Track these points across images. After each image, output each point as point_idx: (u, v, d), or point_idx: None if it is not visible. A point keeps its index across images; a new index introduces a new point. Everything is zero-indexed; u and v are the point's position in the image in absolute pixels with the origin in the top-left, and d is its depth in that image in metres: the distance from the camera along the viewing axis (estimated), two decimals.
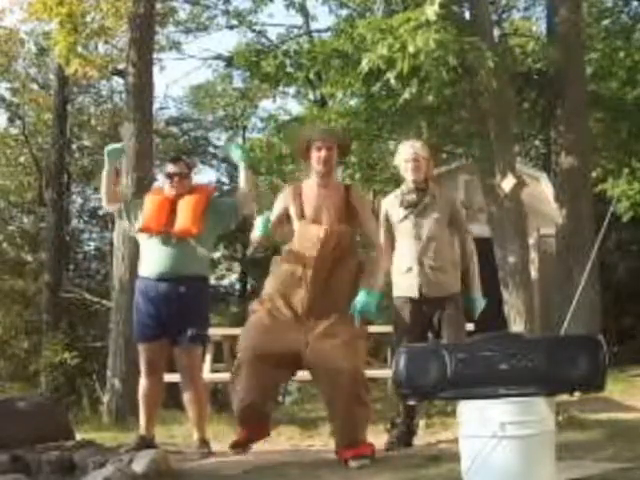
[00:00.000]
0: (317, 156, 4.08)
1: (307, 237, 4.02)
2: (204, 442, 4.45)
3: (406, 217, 4.50)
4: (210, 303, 4.80)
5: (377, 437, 4.90)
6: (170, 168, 4.51)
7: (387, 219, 4.59)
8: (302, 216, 4.08)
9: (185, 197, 4.46)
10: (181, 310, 4.35)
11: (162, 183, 4.62)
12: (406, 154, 4.55)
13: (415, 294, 4.44)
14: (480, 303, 4.59)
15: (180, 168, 4.50)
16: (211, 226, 4.47)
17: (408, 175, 4.53)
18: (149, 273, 4.44)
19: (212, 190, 4.94)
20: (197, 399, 4.45)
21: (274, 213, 4.19)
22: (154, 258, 4.42)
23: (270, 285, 4.13)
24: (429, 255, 4.44)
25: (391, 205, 4.59)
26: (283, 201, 4.20)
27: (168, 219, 4.41)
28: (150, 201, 4.57)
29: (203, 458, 4.24)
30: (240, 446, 4.15)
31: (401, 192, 4.58)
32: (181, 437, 5.10)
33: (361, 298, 3.96)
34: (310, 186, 4.16)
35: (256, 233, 4.03)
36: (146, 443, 4.34)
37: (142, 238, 4.53)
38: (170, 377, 5.27)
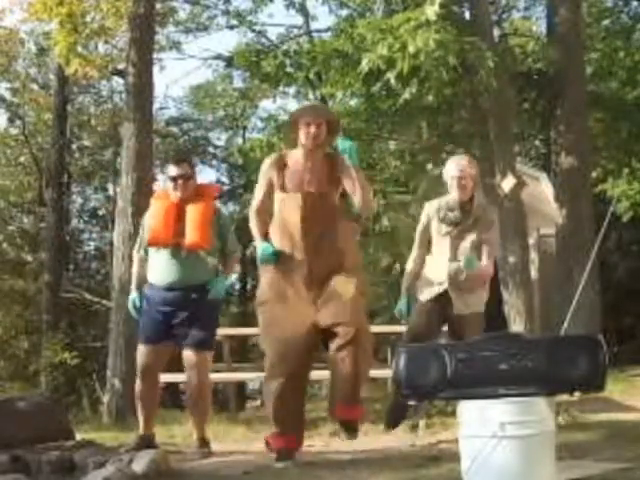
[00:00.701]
0: (306, 132, 4.04)
1: (289, 206, 4.00)
2: (205, 442, 4.45)
3: (447, 234, 4.51)
4: (218, 307, 4.76)
5: (377, 437, 4.91)
6: (173, 171, 4.43)
7: (427, 227, 4.60)
8: (283, 187, 4.05)
9: (193, 204, 4.38)
10: (191, 315, 4.33)
11: (166, 185, 4.56)
12: (452, 171, 4.52)
13: (440, 302, 4.49)
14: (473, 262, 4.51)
15: (184, 170, 4.43)
16: (215, 234, 4.46)
17: (454, 193, 4.51)
18: (158, 281, 4.41)
19: (217, 190, 4.91)
20: (202, 400, 4.43)
21: (259, 189, 4.15)
22: (163, 268, 4.38)
23: (266, 268, 4.08)
24: (461, 277, 4.45)
25: (434, 213, 4.57)
26: (265, 176, 4.14)
27: (176, 228, 4.34)
28: (156, 209, 4.50)
29: (203, 458, 4.24)
30: (288, 454, 3.97)
31: (446, 206, 4.55)
32: (181, 437, 5.10)
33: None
34: (295, 159, 4.11)
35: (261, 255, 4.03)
36: (146, 443, 4.34)
37: (151, 248, 4.49)
38: (171, 377, 5.29)
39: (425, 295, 4.56)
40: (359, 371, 3.85)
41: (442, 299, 4.50)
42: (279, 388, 3.87)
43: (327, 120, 4.11)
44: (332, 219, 4.03)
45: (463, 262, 4.43)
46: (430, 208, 4.64)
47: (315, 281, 3.94)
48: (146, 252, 4.52)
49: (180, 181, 4.40)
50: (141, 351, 4.44)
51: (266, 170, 4.14)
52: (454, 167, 4.53)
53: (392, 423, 4.70)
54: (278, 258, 3.98)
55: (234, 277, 4.63)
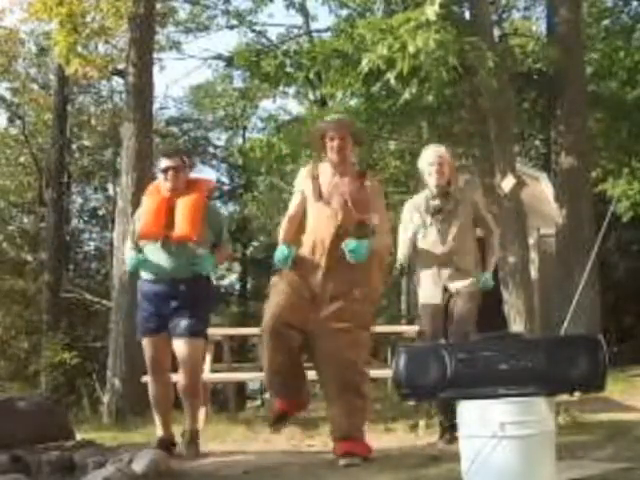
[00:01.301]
0: (330, 146, 4.15)
1: (322, 218, 4.07)
2: (195, 435, 4.45)
3: (431, 224, 4.55)
4: (212, 300, 4.80)
5: (377, 437, 4.90)
6: (164, 162, 4.49)
7: (412, 221, 4.62)
8: (319, 197, 4.12)
9: (183, 197, 4.42)
10: (182, 305, 4.38)
11: (159, 179, 4.59)
12: (430, 158, 4.58)
13: (440, 301, 4.52)
14: (488, 281, 4.61)
15: (174, 162, 4.47)
16: (207, 227, 4.47)
17: (432, 179, 4.56)
18: (150, 275, 4.47)
19: (210, 185, 4.88)
20: (193, 390, 4.45)
21: (293, 203, 4.23)
22: (155, 261, 4.43)
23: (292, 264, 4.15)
24: (453, 260, 4.50)
25: (417, 209, 4.61)
26: (299, 186, 4.24)
27: (166, 222, 4.39)
28: (147, 204, 4.55)
29: (190, 457, 4.23)
30: (279, 421, 4.18)
31: (426, 197, 4.61)
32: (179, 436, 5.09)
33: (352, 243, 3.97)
34: (326, 171, 4.20)
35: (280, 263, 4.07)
36: (166, 444, 4.37)
37: (142, 241, 4.52)
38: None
39: (427, 296, 4.57)
40: (349, 405, 3.89)
41: (441, 308, 4.52)
42: (268, 359, 3.99)
43: (351, 133, 4.21)
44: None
45: (481, 283, 4.53)
46: (410, 205, 4.69)
47: (327, 295, 3.98)
48: (137, 246, 4.55)
49: (171, 172, 4.44)
50: (145, 342, 4.48)
51: (300, 181, 4.25)
52: (430, 154, 4.60)
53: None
54: (292, 262, 4.03)
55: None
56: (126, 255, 4.63)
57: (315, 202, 4.12)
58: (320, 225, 4.07)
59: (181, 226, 4.36)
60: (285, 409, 4.14)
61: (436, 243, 4.52)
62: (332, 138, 4.14)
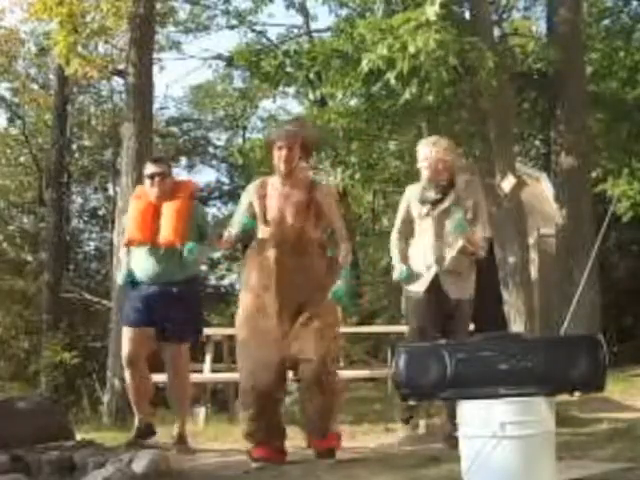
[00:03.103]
0: (278, 155, 4.09)
1: (266, 239, 4.05)
2: (182, 439, 4.52)
3: (428, 214, 4.50)
4: (201, 300, 4.86)
5: (377, 437, 4.91)
6: (150, 168, 4.54)
7: (408, 210, 4.59)
8: (264, 217, 4.08)
9: (169, 202, 4.47)
10: (171, 310, 4.42)
11: (145, 185, 4.64)
12: (421, 153, 4.55)
13: (432, 291, 4.46)
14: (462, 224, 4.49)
15: (161, 168, 4.54)
16: (193, 229, 4.51)
17: (423, 174, 4.53)
18: (141, 277, 4.51)
19: (195, 187, 4.92)
20: (180, 393, 4.53)
21: (239, 210, 4.20)
22: (143, 266, 4.48)
23: (244, 294, 4.14)
24: (448, 257, 4.45)
25: (414, 197, 4.58)
26: (248, 198, 4.19)
27: (152, 227, 4.43)
28: (134, 209, 4.61)
29: (182, 454, 4.26)
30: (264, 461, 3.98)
31: (422, 188, 4.56)
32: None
33: (335, 289, 3.99)
34: (274, 184, 4.15)
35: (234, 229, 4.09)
36: (144, 432, 4.45)
37: (131, 246, 4.58)
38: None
39: (415, 285, 4.54)
40: (327, 406, 3.93)
41: (432, 289, 4.47)
42: (253, 412, 3.93)
43: (301, 143, 4.13)
44: (310, 253, 4.06)
45: (452, 225, 4.41)
46: (410, 191, 4.66)
47: (288, 313, 3.97)
48: (129, 251, 4.61)
49: (157, 178, 4.50)
50: (124, 333, 4.51)
51: (246, 198, 4.19)
52: (422, 149, 4.56)
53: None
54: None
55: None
56: (121, 262, 4.70)
57: (260, 223, 4.09)
58: (265, 246, 4.05)
59: (167, 232, 4.41)
60: (265, 456, 3.96)
61: (433, 237, 4.46)
62: (280, 148, 4.08)
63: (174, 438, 4.52)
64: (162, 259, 4.43)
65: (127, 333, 4.49)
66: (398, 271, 4.57)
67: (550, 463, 2.82)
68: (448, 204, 4.48)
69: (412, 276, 4.52)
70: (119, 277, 4.59)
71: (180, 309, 4.43)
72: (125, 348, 4.47)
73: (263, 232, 4.08)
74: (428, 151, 4.52)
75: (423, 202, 4.50)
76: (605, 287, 10.22)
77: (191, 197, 4.63)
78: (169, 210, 4.46)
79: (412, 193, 4.62)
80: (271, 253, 4.00)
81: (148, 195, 4.56)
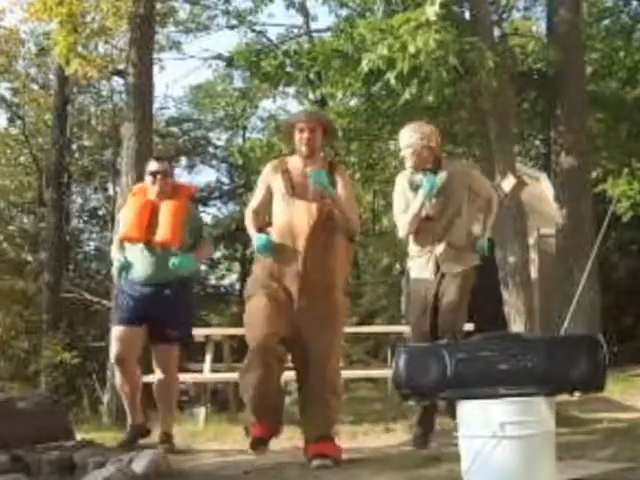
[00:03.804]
0: (300, 137, 4.09)
1: (297, 213, 4.00)
2: (168, 437, 4.53)
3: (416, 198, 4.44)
4: (193, 302, 4.85)
5: (377, 437, 4.91)
6: (153, 166, 4.54)
7: (402, 195, 4.53)
8: (292, 192, 4.05)
9: (167, 202, 4.47)
10: (164, 311, 4.42)
11: (146, 181, 4.63)
12: (403, 141, 4.49)
13: (432, 275, 4.41)
14: (483, 247, 4.47)
15: (163, 166, 4.54)
16: (188, 230, 4.51)
17: (407, 162, 4.48)
18: (134, 277, 4.49)
19: (193, 191, 4.94)
20: (167, 393, 4.55)
21: (258, 193, 4.18)
22: (138, 264, 4.45)
23: (261, 266, 4.10)
24: (447, 236, 4.40)
25: (406, 183, 4.52)
26: (265, 181, 4.17)
27: (149, 225, 4.42)
28: (132, 205, 4.59)
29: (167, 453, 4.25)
30: (262, 443, 4.05)
31: (410, 174, 4.50)
32: (181, 437, 5.10)
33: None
34: (295, 164, 4.14)
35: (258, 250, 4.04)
36: (138, 431, 4.49)
37: (126, 242, 4.57)
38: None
39: (417, 271, 4.49)
40: (325, 403, 3.91)
41: (432, 284, 4.41)
42: (257, 379, 3.90)
43: (322, 125, 4.15)
44: (334, 234, 4.04)
45: (477, 247, 4.40)
46: (401, 178, 4.60)
47: (306, 290, 3.94)
48: (122, 247, 4.59)
49: (159, 176, 4.50)
50: (114, 332, 4.50)
51: (265, 176, 4.19)
52: (404, 136, 4.49)
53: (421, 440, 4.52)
54: (273, 250, 3.98)
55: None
56: (113, 256, 4.66)
57: (288, 197, 4.05)
58: (295, 219, 4.00)
59: (163, 232, 4.40)
60: (264, 434, 4.01)
61: (425, 220, 4.41)
62: (302, 130, 4.08)
63: (160, 437, 4.52)
64: (156, 259, 4.42)
65: (116, 332, 4.48)
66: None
67: (550, 463, 2.82)
68: (439, 190, 4.39)
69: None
70: (114, 269, 4.52)
71: (172, 310, 4.42)
72: (114, 347, 4.46)
73: (296, 205, 4.02)
74: (411, 138, 4.45)
75: (415, 189, 4.44)
76: (605, 287, 10.22)
77: (189, 200, 4.64)
78: (167, 209, 4.45)
79: (404, 180, 4.56)
80: (305, 227, 3.95)
81: (147, 192, 4.56)
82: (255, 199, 4.21)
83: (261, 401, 3.94)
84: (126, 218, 4.55)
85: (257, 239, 4.00)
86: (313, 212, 3.98)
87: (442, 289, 4.40)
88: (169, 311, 4.41)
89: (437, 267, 4.42)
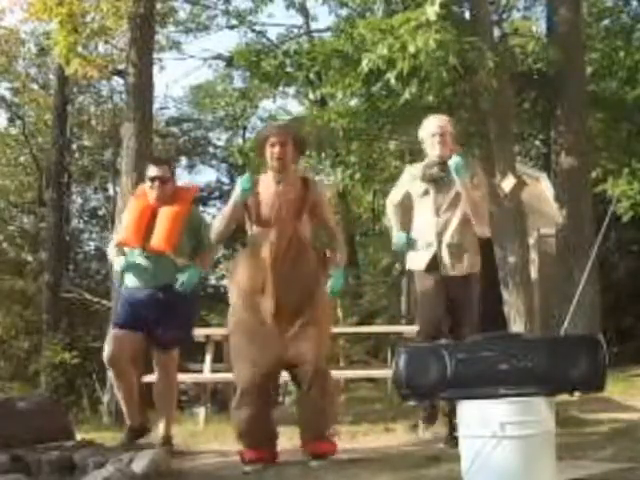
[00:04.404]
0: (271, 151, 4.02)
1: (260, 242, 3.99)
2: (167, 440, 4.51)
3: (427, 192, 4.42)
4: (194, 305, 4.80)
5: (377, 437, 4.90)
6: (152, 171, 4.47)
7: (406, 190, 4.52)
8: (257, 218, 4.02)
9: (165, 208, 4.42)
10: (161, 314, 4.40)
11: (145, 185, 4.60)
12: (433, 127, 4.44)
13: (434, 269, 4.39)
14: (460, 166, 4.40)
15: (162, 172, 4.46)
16: (188, 235, 4.48)
17: (434, 150, 4.42)
18: (131, 282, 4.50)
19: (195, 191, 4.92)
20: (166, 395, 4.54)
21: (232, 203, 4.10)
22: (137, 269, 4.46)
23: (236, 294, 4.07)
24: (449, 232, 4.37)
25: (413, 177, 4.50)
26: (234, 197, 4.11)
27: (146, 231, 4.39)
28: (132, 210, 4.56)
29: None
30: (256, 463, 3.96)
31: (424, 165, 4.48)
32: (181, 437, 5.10)
33: (333, 282, 4.01)
34: (267, 183, 4.08)
35: (236, 194, 4.03)
36: (137, 432, 4.49)
37: (120, 261, 4.53)
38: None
39: (416, 262, 4.47)
40: (322, 408, 3.92)
41: (433, 267, 4.39)
42: (248, 416, 3.91)
43: (294, 138, 4.08)
44: (304, 252, 4.01)
45: (452, 166, 4.30)
46: (410, 170, 4.59)
47: (284, 314, 3.93)
48: (120, 249, 4.58)
49: (157, 182, 4.43)
50: (111, 334, 4.50)
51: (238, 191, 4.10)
52: (435, 124, 4.46)
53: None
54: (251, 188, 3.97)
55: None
56: (110, 254, 4.65)
57: (253, 224, 4.04)
58: (259, 248, 3.98)
59: (157, 238, 4.36)
60: (260, 457, 3.95)
61: (432, 213, 4.39)
62: (273, 144, 4.00)
63: (159, 440, 4.50)
64: (152, 264, 4.41)
65: (111, 333, 4.50)
66: (397, 238, 4.50)
67: (550, 463, 2.82)
68: (446, 181, 4.37)
69: (412, 243, 4.44)
70: (117, 263, 4.49)
71: (170, 314, 4.40)
72: (107, 348, 4.44)
73: (257, 232, 4.03)
74: (437, 126, 4.42)
75: (429, 180, 4.40)
76: (605, 287, 10.22)
77: (191, 203, 4.60)
78: (164, 216, 4.40)
79: (413, 171, 4.54)
80: (266, 252, 3.94)
81: (148, 196, 4.52)
82: (228, 207, 4.11)
83: (255, 434, 3.94)
84: (125, 222, 4.55)
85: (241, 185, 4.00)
86: (272, 239, 3.94)
87: (452, 292, 4.38)
88: (166, 315, 4.39)
89: (438, 264, 4.39)
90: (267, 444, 3.99)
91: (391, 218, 4.64)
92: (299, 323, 3.93)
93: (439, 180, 4.40)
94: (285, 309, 3.93)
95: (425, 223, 4.43)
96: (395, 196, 4.62)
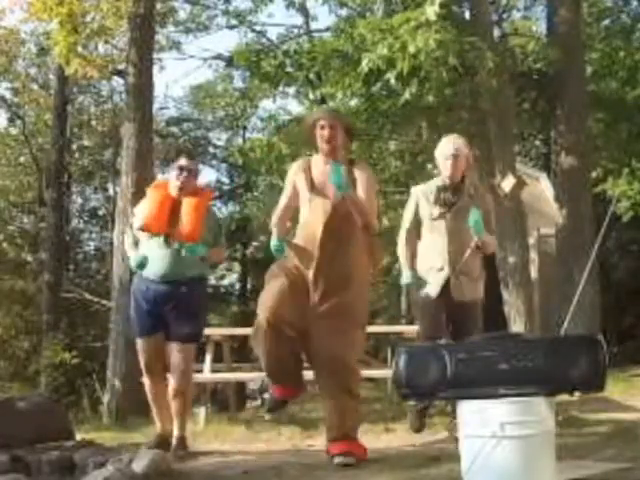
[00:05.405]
0: (321, 134, 4.12)
1: (316, 209, 4.05)
2: (182, 442, 4.49)
3: (441, 216, 4.44)
4: (207, 301, 4.88)
5: (377, 437, 4.90)
6: (183, 161, 4.54)
7: (417, 211, 4.54)
8: (312, 188, 4.10)
9: (189, 198, 4.46)
10: (179, 309, 4.40)
11: (169, 176, 4.64)
12: (446, 150, 4.48)
13: (442, 293, 4.43)
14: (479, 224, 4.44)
15: (192, 165, 4.57)
16: (207, 230, 4.51)
17: (446, 172, 4.46)
18: (150, 274, 4.46)
19: (212, 194, 5.02)
20: (182, 394, 4.50)
21: (284, 195, 4.23)
22: (155, 260, 4.43)
23: (289, 255, 4.16)
24: (457, 258, 4.40)
25: (425, 198, 4.52)
26: (291, 180, 4.22)
27: (170, 219, 4.40)
28: (152, 197, 4.55)
29: (178, 460, 4.23)
30: (277, 407, 4.21)
31: (437, 188, 4.50)
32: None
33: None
34: (317, 162, 4.18)
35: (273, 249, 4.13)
36: (165, 441, 4.43)
37: (142, 237, 4.54)
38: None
39: (426, 290, 4.50)
40: (342, 405, 3.92)
41: (443, 291, 4.43)
42: (268, 345, 3.95)
43: (342, 123, 4.18)
44: (352, 231, 4.03)
45: (472, 221, 4.29)
46: (418, 192, 4.60)
47: (320, 286, 3.96)
48: (136, 242, 4.59)
49: (185, 172, 4.49)
50: (139, 345, 4.52)
51: (291, 176, 4.23)
52: (450, 146, 4.48)
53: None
54: (286, 254, 4.09)
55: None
56: (128, 250, 4.66)
57: (307, 193, 4.10)
58: (312, 217, 4.05)
59: (186, 225, 4.39)
60: (285, 395, 4.17)
61: (444, 239, 4.42)
62: (323, 127, 4.11)
63: (175, 441, 4.47)
64: (173, 255, 4.41)
65: (140, 344, 4.52)
66: (405, 276, 4.55)
67: (550, 463, 2.82)
68: (460, 206, 4.43)
69: (419, 281, 4.49)
70: (133, 259, 4.50)
71: (188, 309, 4.41)
72: (142, 359, 4.50)
73: (313, 201, 4.07)
74: (452, 147, 4.45)
75: (441, 204, 4.44)
76: (605, 287, 10.23)
77: (209, 201, 4.69)
78: (190, 205, 4.44)
79: (422, 193, 4.56)
80: (319, 222, 3.98)
81: (168, 187, 4.54)
82: (282, 199, 4.26)
83: (276, 366, 4.02)
84: (145, 210, 4.52)
85: (271, 244, 4.13)
86: (327, 209, 4.00)
87: (454, 319, 4.43)
88: (183, 309, 4.41)
89: (447, 288, 4.42)
90: (289, 378, 4.09)
91: (402, 251, 4.62)
92: (333, 303, 3.93)
93: (454, 205, 4.44)
94: (324, 281, 3.96)
95: (439, 246, 4.45)
96: (407, 223, 4.62)
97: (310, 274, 3.98)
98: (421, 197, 4.54)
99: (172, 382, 4.51)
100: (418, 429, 4.68)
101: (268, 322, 3.91)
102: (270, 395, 4.21)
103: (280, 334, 3.92)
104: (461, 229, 4.40)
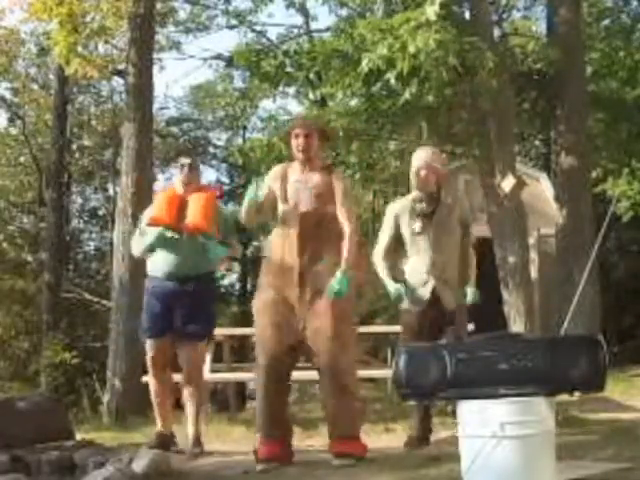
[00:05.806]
0: (296, 143, 4.18)
1: (288, 219, 4.08)
2: (198, 440, 4.49)
3: (423, 229, 4.43)
4: (216, 298, 4.92)
5: (377, 437, 4.90)
6: (184, 159, 4.69)
7: (397, 228, 4.53)
8: (285, 199, 4.14)
9: (196, 194, 4.55)
10: (189, 307, 4.44)
11: (174, 179, 4.82)
12: (416, 163, 4.51)
13: (426, 306, 4.43)
14: (476, 296, 4.55)
15: (191, 160, 4.69)
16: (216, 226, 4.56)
17: (415, 185, 4.50)
18: (159, 272, 4.51)
19: (216, 192, 5.04)
20: (196, 394, 4.52)
21: (262, 192, 4.22)
22: (164, 257, 4.47)
23: (265, 271, 4.19)
24: (444, 269, 4.43)
25: (402, 212, 4.52)
26: (270, 181, 4.25)
27: (178, 214, 4.48)
28: (160, 198, 4.69)
29: (194, 458, 4.25)
30: (268, 463, 3.94)
31: (413, 200, 4.52)
32: (181, 437, 5.11)
33: (333, 284, 3.97)
34: (294, 169, 4.23)
35: (245, 200, 4.15)
36: (165, 439, 4.45)
37: (150, 234, 4.57)
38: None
39: (413, 304, 4.47)
40: (343, 405, 3.93)
41: (429, 302, 4.43)
42: (264, 391, 3.97)
43: (318, 130, 4.23)
44: (328, 237, 4.07)
45: (470, 297, 4.46)
46: (395, 207, 4.60)
47: (304, 297, 4.00)
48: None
49: (186, 168, 4.62)
50: (148, 345, 4.55)
51: (268, 180, 4.24)
52: (418, 158, 4.52)
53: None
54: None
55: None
56: (135, 247, 4.73)
57: (282, 203, 4.14)
58: (287, 226, 4.08)
59: (195, 216, 4.46)
60: (268, 455, 3.92)
61: (426, 251, 4.43)
62: (297, 135, 4.17)
63: (190, 441, 4.49)
64: (183, 250, 4.46)
65: (149, 344, 4.54)
66: (393, 291, 4.49)
67: (550, 463, 2.82)
68: (441, 217, 4.45)
69: (408, 293, 4.47)
70: (142, 246, 4.61)
71: (197, 307, 4.46)
72: (149, 358, 4.54)
73: (286, 213, 4.11)
74: (420, 161, 4.48)
75: (418, 215, 4.45)
76: (605, 287, 10.22)
77: (215, 197, 4.76)
78: (197, 198, 4.53)
79: (399, 209, 4.56)
80: (294, 234, 4.03)
81: (175, 190, 4.65)
82: (260, 192, 4.24)
83: (267, 420, 3.96)
84: (154, 207, 4.64)
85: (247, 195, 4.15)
86: (298, 218, 4.05)
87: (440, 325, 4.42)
88: (192, 307, 4.45)
89: (431, 299, 4.42)
90: (281, 436, 3.99)
91: (379, 270, 4.58)
92: (323, 319, 3.95)
93: (432, 215, 4.44)
94: (309, 292, 3.99)
95: (422, 260, 4.45)
96: (382, 244, 4.59)
97: (293, 288, 3.99)
98: (401, 214, 4.53)
99: (185, 384, 4.53)
100: (420, 438, 4.54)
101: (267, 372, 3.96)
102: (254, 454, 3.96)
103: (279, 387, 3.99)
104: (444, 241, 4.44)
